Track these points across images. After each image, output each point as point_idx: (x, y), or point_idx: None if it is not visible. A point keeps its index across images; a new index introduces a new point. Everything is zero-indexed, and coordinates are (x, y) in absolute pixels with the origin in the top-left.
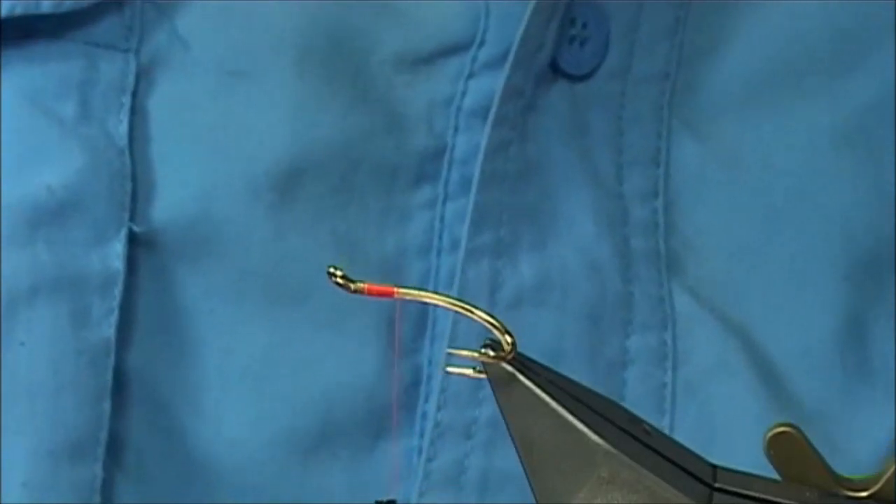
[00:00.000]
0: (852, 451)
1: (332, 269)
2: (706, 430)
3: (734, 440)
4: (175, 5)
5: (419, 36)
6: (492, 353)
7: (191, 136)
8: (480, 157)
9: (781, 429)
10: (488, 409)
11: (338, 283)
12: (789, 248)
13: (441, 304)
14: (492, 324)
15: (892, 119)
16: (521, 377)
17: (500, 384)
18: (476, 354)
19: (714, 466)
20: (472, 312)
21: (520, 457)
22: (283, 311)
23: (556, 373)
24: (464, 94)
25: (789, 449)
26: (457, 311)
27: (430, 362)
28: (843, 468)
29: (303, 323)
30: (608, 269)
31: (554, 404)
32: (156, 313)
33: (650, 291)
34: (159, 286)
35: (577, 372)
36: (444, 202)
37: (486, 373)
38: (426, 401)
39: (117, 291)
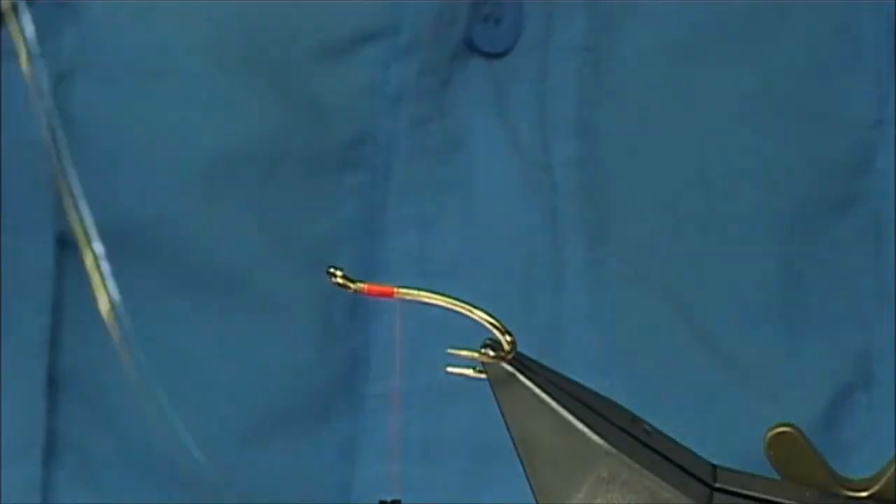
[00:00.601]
0: (795, 401)
1: (332, 270)
2: (643, 392)
3: (672, 401)
4: (88, 9)
5: (337, 27)
6: (492, 353)
7: (116, 137)
8: (400, 133)
9: (781, 429)
10: (424, 378)
11: (338, 284)
12: (718, 209)
13: (441, 304)
14: (492, 324)
15: (812, 76)
16: (521, 377)
17: (500, 384)
18: (476, 354)
19: (714, 466)
20: (472, 312)
21: (519, 456)
22: (219, 300)
23: (555, 373)
24: (384, 80)
25: (789, 449)
26: (457, 312)
27: (368, 344)
28: (787, 417)
29: (239, 311)
30: (537, 235)
31: (554, 404)
32: (90, 312)
33: (580, 256)
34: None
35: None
36: (371, 186)
37: (485, 373)
38: (366, 381)
39: (48, 292)
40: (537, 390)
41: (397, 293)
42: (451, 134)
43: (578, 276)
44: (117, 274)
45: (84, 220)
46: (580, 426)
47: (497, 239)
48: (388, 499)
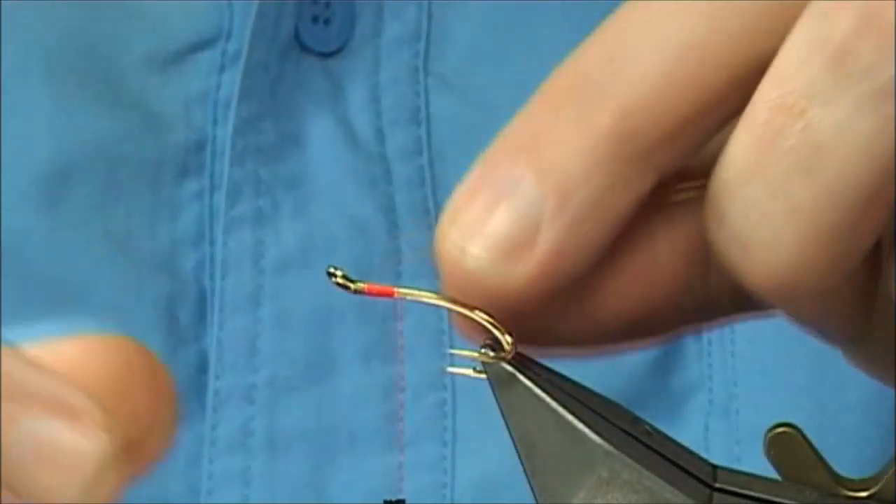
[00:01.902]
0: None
1: (332, 270)
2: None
3: None
4: None
5: (167, 36)
6: (492, 354)
7: None
8: (229, 132)
9: (782, 429)
10: (265, 373)
11: (338, 284)
12: None
13: (440, 304)
14: (492, 324)
15: None
16: (521, 377)
17: (499, 384)
18: (476, 354)
19: (714, 466)
20: (472, 312)
21: (519, 457)
22: (65, 311)
23: (556, 373)
24: (218, 86)
25: (789, 449)
26: (456, 312)
27: (218, 344)
28: (618, 366)
29: (86, 320)
30: (373, 226)
31: (554, 404)
32: None
33: (419, 245)
34: None
35: (349, 328)
36: (211, 192)
37: (485, 373)
38: (215, 378)
39: None
40: (537, 390)
41: (397, 293)
42: (284, 132)
43: (416, 265)
44: None
45: None
46: (580, 426)
47: (332, 232)
48: (393, 499)
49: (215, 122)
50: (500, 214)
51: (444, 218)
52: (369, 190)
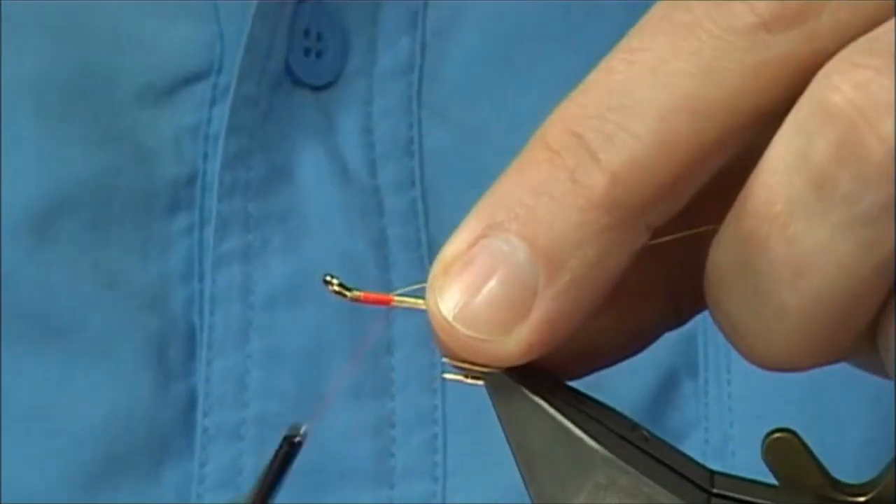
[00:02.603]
0: (622, 388)
1: (328, 278)
2: (479, 407)
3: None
4: None
5: (158, 69)
6: None
7: None
8: (215, 170)
9: (779, 434)
10: (255, 409)
11: (334, 292)
12: None
13: None
14: None
15: None
16: (519, 384)
17: (497, 391)
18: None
19: (712, 472)
20: None
21: (517, 463)
22: (56, 346)
23: (553, 380)
24: (209, 120)
25: (787, 454)
26: None
27: (207, 380)
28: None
29: (77, 356)
30: (363, 259)
31: (551, 410)
32: None
33: (411, 277)
34: None
35: (339, 364)
36: (201, 227)
37: (483, 380)
38: (204, 415)
39: None
40: (534, 397)
41: (394, 301)
42: (274, 167)
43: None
44: None
45: None
46: (578, 432)
47: (323, 266)
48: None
49: (206, 156)
50: (493, 287)
51: (435, 281)
52: (361, 223)
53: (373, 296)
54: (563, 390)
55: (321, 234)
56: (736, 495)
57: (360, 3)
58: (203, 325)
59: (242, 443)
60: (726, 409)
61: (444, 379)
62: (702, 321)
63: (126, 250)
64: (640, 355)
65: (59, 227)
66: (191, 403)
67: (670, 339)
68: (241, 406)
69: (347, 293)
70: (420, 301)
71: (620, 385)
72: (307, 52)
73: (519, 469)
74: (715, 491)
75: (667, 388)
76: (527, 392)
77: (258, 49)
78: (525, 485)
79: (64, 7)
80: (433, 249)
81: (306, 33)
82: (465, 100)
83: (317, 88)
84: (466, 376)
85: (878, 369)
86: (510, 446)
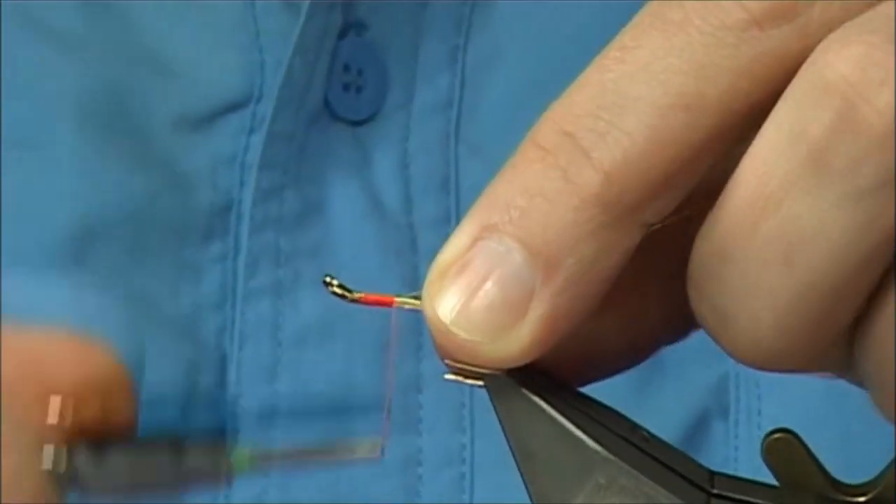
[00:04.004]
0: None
1: (327, 279)
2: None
3: None
4: None
5: (198, 96)
6: None
7: None
8: (249, 202)
9: (779, 434)
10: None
11: (334, 293)
12: None
13: None
14: None
15: None
16: (519, 386)
17: (497, 392)
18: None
19: (712, 472)
20: None
21: (517, 464)
22: None
23: (553, 381)
24: (246, 148)
25: (787, 454)
26: None
27: (234, 417)
28: None
29: None
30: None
31: (551, 411)
32: None
33: None
34: None
35: (371, 399)
36: (235, 255)
37: (484, 381)
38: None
39: None
40: (535, 398)
41: (397, 302)
42: (307, 201)
43: None
44: None
45: None
46: (578, 433)
47: (354, 305)
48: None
49: (242, 184)
50: (490, 289)
51: (431, 286)
52: (394, 260)
53: (374, 297)
54: (563, 391)
55: (353, 270)
56: (736, 496)
57: (401, 38)
58: (232, 360)
59: (267, 479)
60: (756, 451)
61: (447, 380)
62: (734, 364)
63: (160, 277)
64: (672, 396)
65: (94, 252)
66: (220, 432)
67: (703, 381)
68: (269, 443)
69: (348, 295)
70: (421, 302)
71: (651, 426)
72: (346, 86)
73: (519, 470)
74: (715, 491)
75: (697, 430)
76: (527, 393)
77: (296, 84)
78: (525, 485)
79: (106, 30)
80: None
81: (346, 68)
82: (502, 137)
83: (354, 123)
84: (466, 377)
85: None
86: (510, 447)
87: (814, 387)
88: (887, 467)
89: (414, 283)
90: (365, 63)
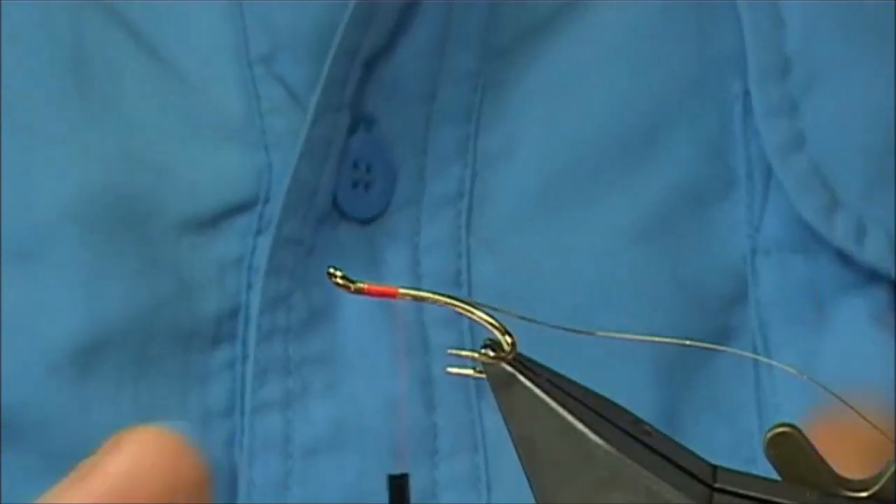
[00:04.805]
0: None
1: (331, 270)
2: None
3: None
4: None
5: (203, 199)
6: (491, 354)
7: None
8: (256, 306)
9: (781, 429)
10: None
11: (338, 284)
12: (593, 353)
13: (441, 302)
14: (492, 324)
15: (686, 206)
16: (521, 377)
17: (499, 385)
18: (476, 355)
19: (714, 467)
20: (471, 312)
21: (519, 457)
22: None
23: (556, 373)
24: (253, 250)
25: (789, 449)
26: (457, 311)
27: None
28: None
29: None
30: (408, 401)
31: (554, 405)
32: None
33: (457, 417)
34: None
35: None
36: (243, 361)
37: (485, 373)
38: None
39: None
40: (537, 391)
41: (399, 294)
42: (315, 306)
43: (453, 438)
44: None
45: None
46: (580, 426)
47: (366, 410)
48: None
49: (249, 287)
50: None
51: None
52: (405, 361)
53: (377, 288)
54: (566, 384)
55: (364, 374)
56: (738, 490)
57: (410, 131)
58: (242, 474)
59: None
60: None
61: (448, 373)
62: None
63: (166, 386)
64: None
65: (100, 364)
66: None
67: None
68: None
69: (351, 285)
70: (425, 293)
71: None
72: (355, 183)
73: (521, 462)
74: (717, 485)
75: None
76: (529, 385)
77: (304, 187)
78: (527, 478)
79: (106, 131)
80: (481, 388)
81: (355, 165)
82: (515, 232)
83: (363, 221)
84: (474, 370)
85: None
86: (512, 440)
87: None
88: (889, 463)
89: (427, 383)
90: (373, 158)
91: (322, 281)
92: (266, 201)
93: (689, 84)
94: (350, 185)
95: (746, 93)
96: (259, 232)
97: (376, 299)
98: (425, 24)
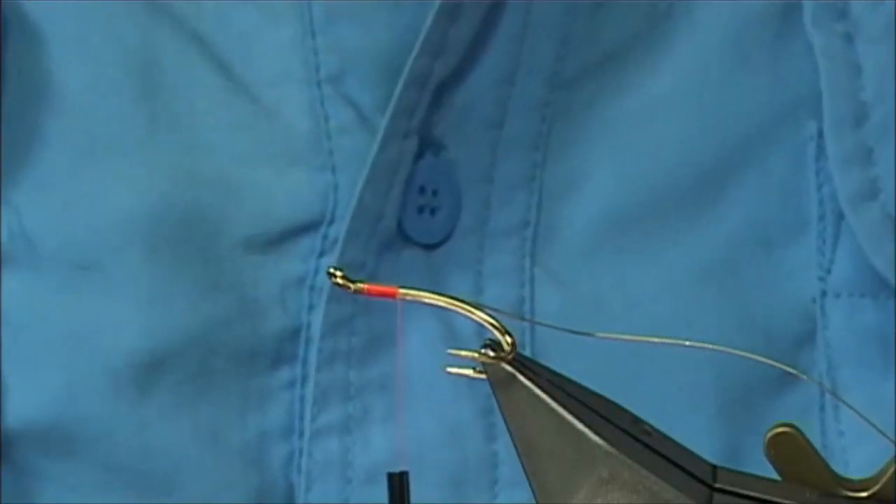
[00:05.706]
0: None
1: (331, 270)
2: None
3: None
4: (18, 200)
5: (268, 218)
6: (492, 354)
7: (45, 334)
8: (318, 327)
9: (781, 429)
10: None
11: (338, 284)
12: (657, 390)
13: (442, 304)
14: (492, 325)
15: (754, 247)
16: (521, 377)
17: (499, 384)
18: (476, 355)
19: (714, 467)
20: (472, 313)
21: (520, 457)
22: (150, 501)
23: (556, 373)
24: (316, 271)
25: (789, 449)
26: (458, 312)
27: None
28: None
29: None
30: (470, 430)
31: (554, 404)
32: None
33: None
34: (21, 484)
35: None
36: (303, 382)
37: (485, 373)
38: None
39: None
40: (537, 391)
41: (400, 294)
42: (376, 331)
43: (514, 469)
44: (47, 474)
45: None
46: (580, 426)
47: (426, 436)
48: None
49: (311, 308)
50: None
51: None
52: (467, 390)
53: (377, 288)
54: (566, 384)
55: (425, 401)
56: (738, 489)
57: (477, 157)
58: (298, 498)
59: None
60: None
61: (449, 373)
62: None
63: (226, 405)
64: None
65: (161, 380)
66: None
67: None
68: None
69: (351, 285)
70: (425, 294)
71: None
72: (421, 209)
73: (521, 462)
74: (717, 485)
75: None
76: (530, 385)
77: (369, 212)
78: (527, 478)
79: (176, 147)
80: None
81: (421, 190)
82: (581, 265)
83: (427, 247)
84: (473, 370)
85: None
86: (512, 439)
87: None
88: (888, 463)
89: (488, 412)
90: (440, 184)
91: (385, 306)
92: (331, 222)
93: (762, 124)
94: (416, 210)
95: (820, 134)
96: (322, 253)
97: (376, 299)
98: (498, 52)
